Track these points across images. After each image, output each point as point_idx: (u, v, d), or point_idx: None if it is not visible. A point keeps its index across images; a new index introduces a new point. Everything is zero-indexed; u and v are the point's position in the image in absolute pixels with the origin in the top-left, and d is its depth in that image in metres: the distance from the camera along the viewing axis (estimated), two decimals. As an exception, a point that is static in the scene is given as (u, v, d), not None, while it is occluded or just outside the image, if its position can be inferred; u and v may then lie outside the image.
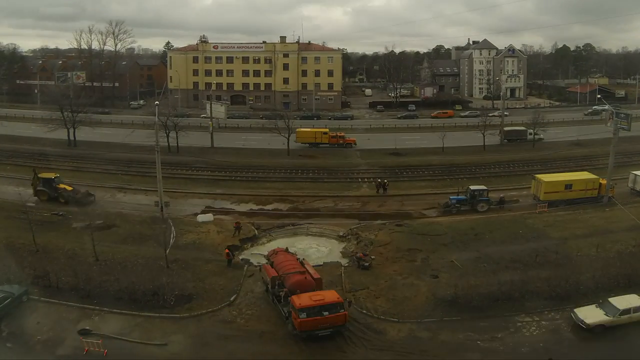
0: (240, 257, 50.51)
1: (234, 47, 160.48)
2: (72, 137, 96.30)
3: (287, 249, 46.92)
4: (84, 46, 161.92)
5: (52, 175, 66.61)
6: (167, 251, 46.74)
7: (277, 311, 38.85)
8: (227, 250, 48.65)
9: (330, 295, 36.95)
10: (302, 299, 36.04)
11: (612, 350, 35.03)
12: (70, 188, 66.13)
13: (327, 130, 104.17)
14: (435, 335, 36.74)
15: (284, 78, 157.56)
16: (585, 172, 68.30)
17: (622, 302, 37.38)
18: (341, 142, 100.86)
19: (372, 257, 49.31)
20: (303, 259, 44.42)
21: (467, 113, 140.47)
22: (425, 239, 53.32)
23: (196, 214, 61.46)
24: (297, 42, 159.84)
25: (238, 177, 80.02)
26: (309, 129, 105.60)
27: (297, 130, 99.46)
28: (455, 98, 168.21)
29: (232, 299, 40.94)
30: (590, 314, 36.98)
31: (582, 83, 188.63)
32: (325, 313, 35.42)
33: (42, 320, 37.45)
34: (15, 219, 55.12)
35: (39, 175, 66.10)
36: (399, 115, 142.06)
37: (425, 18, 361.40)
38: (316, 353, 34.80)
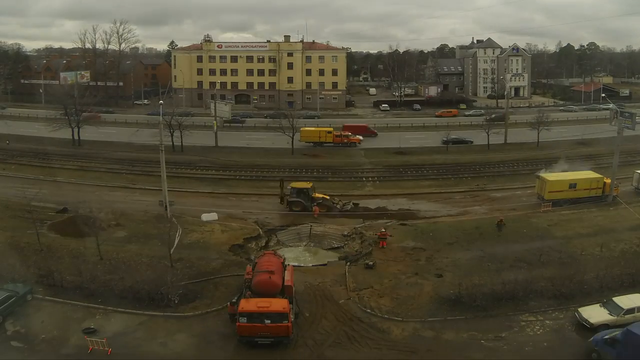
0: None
1: (238, 47, 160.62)
2: (76, 137, 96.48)
3: (275, 252, 46.71)
4: (88, 45, 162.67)
5: (307, 185, 65.38)
6: (172, 250, 46.81)
7: None
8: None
9: (277, 304, 35.62)
10: (248, 304, 35.62)
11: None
12: (327, 197, 65.61)
13: (331, 129, 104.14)
14: (439, 334, 36.74)
15: (288, 77, 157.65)
16: (590, 171, 68.12)
17: (626, 301, 37.34)
18: (345, 141, 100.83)
19: (390, 234, 51.53)
20: (288, 263, 44.15)
21: (471, 112, 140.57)
22: (429, 238, 53.29)
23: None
24: (302, 41, 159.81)
25: (242, 176, 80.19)
26: (313, 128, 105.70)
27: (301, 129, 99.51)
28: (459, 97, 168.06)
29: (235, 299, 40.86)
30: (594, 314, 36.93)
31: (586, 82, 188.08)
32: (267, 321, 34.54)
33: (47, 319, 37.55)
34: (20, 218, 55.28)
35: (292, 185, 65.05)
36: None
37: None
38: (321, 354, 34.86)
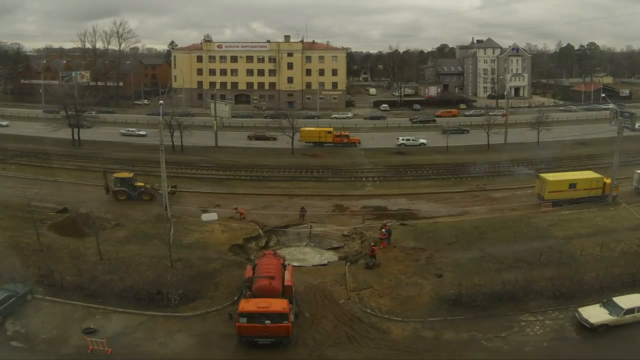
0: None
1: (238, 47, 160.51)
2: (76, 137, 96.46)
3: (275, 252, 46.77)
4: (88, 46, 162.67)
5: (129, 175, 67.76)
6: (172, 250, 46.81)
7: None
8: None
9: (277, 305, 35.66)
10: (248, 304, 35.73)
11: (616, 350, 35.02)
12: (149, 185, 67.63)
13: (331, 129, 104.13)
14: (440, 334, 36.76)
15: (288, 77, 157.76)
16: (590, 171, 68.12)
17: (626, 301, 37.39)
18: (345, 141, 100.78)
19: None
20: (289, 264, 44.18)
21: (471, 112, 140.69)
22: (429, 238, 53.26)
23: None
24: (302, 41, 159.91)
25: (242, 176, 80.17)
26: (313, 128, 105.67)
27: (301, 129, 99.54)
28: (459, 97, 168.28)
29: (236, 298, 40.91)
30: (594, 314, 36.96)
31: (586, 82, 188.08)
32: (267, 322, 34.63)
33: (47, 319, 37.55)
34: (20, 218, 55.27)
35: (115, 176, 66.98)
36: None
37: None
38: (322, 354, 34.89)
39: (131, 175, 67.97)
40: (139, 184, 67.03)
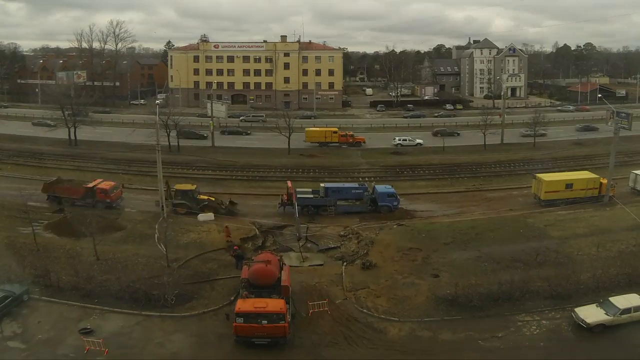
0: None
1: (234, 47, 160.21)
2: (72, 137, 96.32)
3: (272, 252, 46.66)
4: (85, 45, 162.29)
5: (192, 187, 63.89)
6: (168, 250, 46.77)
7: None
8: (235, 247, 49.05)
9: (274, 305, 35.67)
10: (245, 304, 35.73)
11: (613, 350, 35.13)
12: (213, 198, 63.81)
13: (336, 129, 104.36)
14: (436, 334, 36.81)
15: (284, 77, 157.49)
16: (586, 172, 68.26)
17: (623, 301, 37.50)
18: (351, 140, 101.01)
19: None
20: (284, 263, 44.13)
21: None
22: (425, 238, 53.27)
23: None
24: (298, 42, 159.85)
25: (239, 176, 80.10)
26: (318, 128, 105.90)
27: (306, 129, 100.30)
28: (456, 97, 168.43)
29: (232, 298, 40.89)
30: (591, 314, 37.05)
31: (582, 82, 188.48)
32: (264, 322, 34.59)
33: (43, 319, 37.48)
34: (16, 217, 55.18)
35: (176, 187, 63.47)
36: (405, 115, 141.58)
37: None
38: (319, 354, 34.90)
39: (194, 187, 63.91)
40: (202, 197, 63.22)
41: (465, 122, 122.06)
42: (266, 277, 37.51)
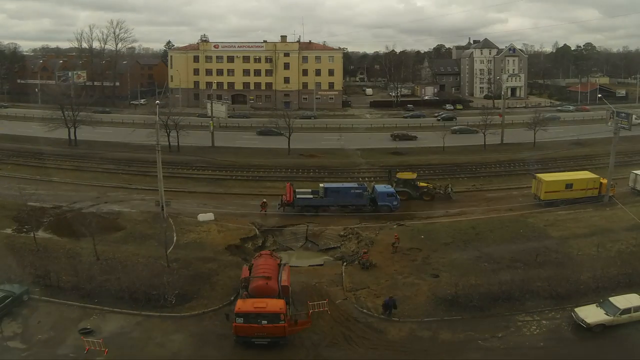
0: None
1: (234, 47, 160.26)
2: (72, 137, 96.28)
3: (271, 252, 46.70)
4: (85, 45, 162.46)
5: (412, 176, 69.62)
6: (168, 250, 46.75)
7: None
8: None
9: (273, 305, 35.66)
10: (245, 304, 35.75)
11: (613, 350, 35.16)
12: (431, 185, 69.52)
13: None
14: (436, 334, 36.83)
15: (284, 77, 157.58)
16: (586, 172, 68.22)
17: (623, 301, 37.52)
18: None
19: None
20: (285, 263, 44.03)
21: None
22: (426, 239, 53.26)
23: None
24: (298, 42, 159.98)
25: (239, 176, 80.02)
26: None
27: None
28: (456, 97, 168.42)
29: (232, 298, 40.89)
30: (591, 314, 37.07)
31: (582, 82, 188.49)
32: (264, 322, 34.67)
33: (43, 320, 37.50)
34: (16, 217, 55.16)
35: (399, 176, 69.07)
36: (405, 115, 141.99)
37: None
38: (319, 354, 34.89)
39: (414, 175, 69.91)
40: (422, 184, 68.91)
41: (465, 123, 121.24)
42: (266, 294, 37.42)
